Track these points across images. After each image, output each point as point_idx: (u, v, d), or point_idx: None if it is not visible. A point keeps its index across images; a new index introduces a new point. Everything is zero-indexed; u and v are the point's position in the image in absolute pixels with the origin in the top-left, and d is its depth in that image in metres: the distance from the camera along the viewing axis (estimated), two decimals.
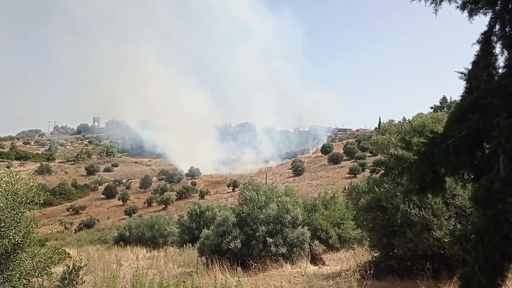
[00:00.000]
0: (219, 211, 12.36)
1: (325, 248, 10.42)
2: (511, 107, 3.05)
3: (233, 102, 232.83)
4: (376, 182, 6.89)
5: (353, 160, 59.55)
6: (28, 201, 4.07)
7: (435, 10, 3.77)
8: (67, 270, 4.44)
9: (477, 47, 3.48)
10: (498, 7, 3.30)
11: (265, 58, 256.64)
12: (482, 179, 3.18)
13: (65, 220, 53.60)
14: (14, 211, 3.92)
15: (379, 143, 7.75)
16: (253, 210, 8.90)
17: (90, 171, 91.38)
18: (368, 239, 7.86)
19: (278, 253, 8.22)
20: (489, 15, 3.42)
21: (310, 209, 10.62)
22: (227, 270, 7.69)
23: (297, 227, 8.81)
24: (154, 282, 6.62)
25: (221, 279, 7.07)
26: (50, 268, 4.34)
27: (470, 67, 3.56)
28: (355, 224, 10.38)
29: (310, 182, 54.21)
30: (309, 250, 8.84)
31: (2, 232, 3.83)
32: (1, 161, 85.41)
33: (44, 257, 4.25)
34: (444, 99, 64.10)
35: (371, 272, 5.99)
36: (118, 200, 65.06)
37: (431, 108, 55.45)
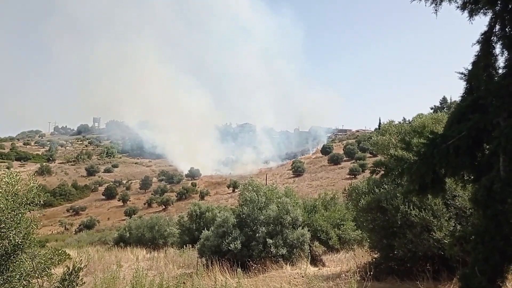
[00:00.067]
0: (219, 212, 12.37)
1: (325, 249, 10.40)
2: (511, 107, 3.05)
3: (233, 102, 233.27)
4: (376, 183, 6.89)
5: (353, 161, 59.52)
6: (28, 202, 4.07)
7: (435, 10, 3.77)
8: (67, 271, 4.44)
9: (477, 47, 3.49)
10: (498, 7, 3.30)
11: (265, 58, 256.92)
12: (482, 180, 3.18)
13: (65, 221, 53.54)
14: (14, 212, 3.92)
15: (379, 143, 7.75)
16: (253, 211, 8.90)
17: (90, 172, 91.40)
18: (368, 240, 7.86)
19: (278, 254, 8.21)
20: (489, 15, 3.42)
21: (310, 210, 10.61)
22: (227, 271, 7.68)
23: (297, 228, 8.81)
24: (154, 283, 6.62)
25: (221, 280, 7.07)
26: (50, 269, 4.34)
27: (470, 67, 3.56)
28: (355, 225, 10.37)
29: (310, 183, 54.18)
30: (309, 251, 8.83)
31: (2, 233, 3.83)
32: (1, 162, 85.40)
33: (44, 258, 4.25)
34: (444, 99, 64.12)
35: (371, 273, 5.98)
36: (118, 201, 65.04)
37: (431, 108, 55.56)
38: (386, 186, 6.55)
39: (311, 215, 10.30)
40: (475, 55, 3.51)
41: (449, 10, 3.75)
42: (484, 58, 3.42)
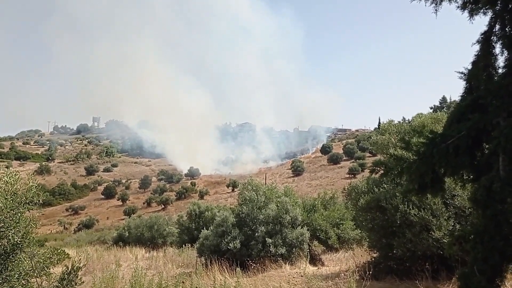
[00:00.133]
0: (219, 212, 12.35)
1: (324, 248, 10.40)
2: (511, 107, 3.05)
3: (233, 102, 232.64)
4: (376, 183, 6.89)
5: (353, 160, 59.53)
6: (28, 201, 4.07)
7: (435, 10, 3.77)
8: (66, 271, 4.44)
9: (477, 47, 3.49)
10: (498, 7, 3.30)
11: (265, 58, 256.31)
12: (481, 179, 3.18)
13: (64, 221, 53.54)
14: (14, 211, 3.91)
15: (379, 143, 7.76)
16: (253, 211, 8.90)
17: (90, 171, 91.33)
18: (367, 239, 7.86)
19: (277, 253, 8.22)
20: (489, 15, 3.42)
21: (310, 209, 10.61)
22: (226, 271, 7.68)
23: (296, 228, 8.81)
24: (153, 283, 6.62)
25: (220, 279, 7.07)
26: (49, 269, 4.33)
27: (470, 67, 3.57)
28: (354, 224, 10.37)
29: (309, 182, 54.20)
30: (308, 250, 8.83)
31: (1, 232, 3.82)
32: (1, 161, 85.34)
33: (43, 258, 4.24)
34: (443, 99, 64.10)
35: (370, 272, 5.98)
36: (118, 200, 65.00)
37: (431, 108, 55.50)
38: (385, 186, 6.55)
39: (310, 214, 10.30)
40: (475, 55, 3.51)
41: (449, 10, 3.75)
42: (484, 57, 3.42)
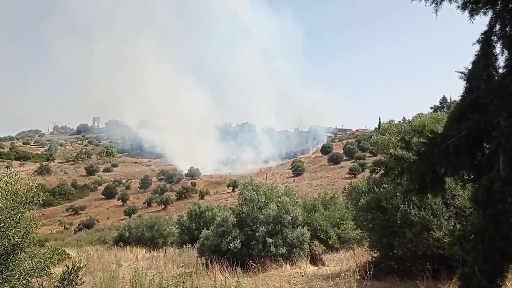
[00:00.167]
0: (219, 212, 12.36)
1: (325, 248, 10.41)
2: (511, 107, 3.05)
3: (233, 102, 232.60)
4: (376, 182, 6.89)
5: (353, 160, 59.52)
6: (28, 201, 4.07)
7: (436, 10, 3.77)
8: (67, 271, 4.44)
9: (477, 47, 3.49)
10: (499, 7, 3.30)
11: (265, 58, 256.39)
12: (482, 179, 3.18)
13: (65, 221, 53.55)
14: (14, 211, 3.92)
15: (379, 143, 7.75)
16: (253, 211, 8.90)
17: (90, 171, 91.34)
18: (368, 239, 7.86)
19: (277, 253, 8.22)
20: (490, 14, 3.42)
21: (310, 209, 10.61)
22: (226, 271, 7.68)
23: (296, 228, 8.81)
24: (154, 283, 6.62)
25: (221, 279, 7.07)
26: (50, 269, 4.34)
27: (470, 67, 3.56)
28: (354, 224, 10.38)
29: (310, 182, 54.20)
30: (308, 250, 8.83)
31: (2, 232, 3.82)
32: (1, 161, 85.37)
33: (43, 258, 4.24)
34: (444, 99, 64.08)
35: (371, 272, 5.98)
36: (118, 200, 65.00)
37: (431, 108, 55.48)
38: (386, 186, 6.55)
39: (310, 214, 10.31)
40: (475, 55, 3.51)
41: (449, 10, 3.75)
42: (484, 57, 3.42)
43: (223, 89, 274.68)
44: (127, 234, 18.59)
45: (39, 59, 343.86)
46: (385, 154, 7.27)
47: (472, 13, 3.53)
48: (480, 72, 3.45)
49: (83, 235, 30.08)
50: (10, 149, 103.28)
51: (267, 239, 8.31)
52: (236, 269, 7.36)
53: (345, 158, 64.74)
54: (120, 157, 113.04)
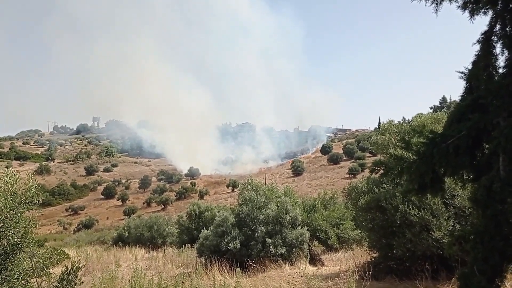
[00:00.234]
0: (218, 212, 12.34)
1: (324, 248, 10.40)
2: (511, 107, 3.04)
3: (233, 102, 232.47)
4: (376, 183, 6.89)
5: (353, 160, 59.52)
6: (27, 201, 4.06)
7: (436, 10, 3.76)
8: (66, 271, 4.43)
9: (477, 47, 3.48)
10: (499, 7, 3.30)
11: (265, 58, 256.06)
12: (481, 179, 3.18)
13: (64, 221, 53.49)
14: (13, 211, 3.91)
15: (379, 143, 7.75)
16: (252, 211, 8.89)
17: (89, 171, 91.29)
18: (367, 239, 7.85)
19: (277, 253, 8.21)
20: (490, 14, 3.42)
21: (310, 209, 10.61)
22: (226, 271, 7.68)
23: (296, 228, 8.81)
24: (153, 283, 6.61)
25: (220, 279, 7.06)
26: (49, 269, 4.33)
27: (470, 67, 3.56)
28: (354, 224, 10.37)
29: (309, 183, 54.20)
30: (308, 250, 8.83)
31: (1, 233, 3.82)
32: (1, 161, 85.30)
33: (43, 258, 4.24)
34: (443, 99, 64.13)
35: (370, 272, 5.98)
36: (117, 200, 64.96)
37: (431, 108, 55.56)
38: (385, 186, 6.55)
39: (310, 214, 10.30)
40: (475, 55, 3.50)
41: (450, 9, 3.74)
42: (484, 57, 3.42)
43: (223, 89, 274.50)
44: (127, 234, 18.58)
45: (39, 59, 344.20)
46: (384, 154, 7.27)
47: (473, 13, 3.52)
48: (480, 72, 3.45)
49: (82, 235, 30.07)
50: (9, 149, 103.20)
51: (266, 239, 8.30)
52: (235, 269, 7.36)
53: (344, 158, 64.74)
54: (119, 157, 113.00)
